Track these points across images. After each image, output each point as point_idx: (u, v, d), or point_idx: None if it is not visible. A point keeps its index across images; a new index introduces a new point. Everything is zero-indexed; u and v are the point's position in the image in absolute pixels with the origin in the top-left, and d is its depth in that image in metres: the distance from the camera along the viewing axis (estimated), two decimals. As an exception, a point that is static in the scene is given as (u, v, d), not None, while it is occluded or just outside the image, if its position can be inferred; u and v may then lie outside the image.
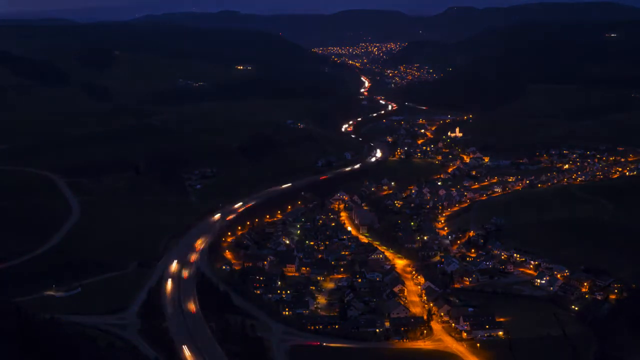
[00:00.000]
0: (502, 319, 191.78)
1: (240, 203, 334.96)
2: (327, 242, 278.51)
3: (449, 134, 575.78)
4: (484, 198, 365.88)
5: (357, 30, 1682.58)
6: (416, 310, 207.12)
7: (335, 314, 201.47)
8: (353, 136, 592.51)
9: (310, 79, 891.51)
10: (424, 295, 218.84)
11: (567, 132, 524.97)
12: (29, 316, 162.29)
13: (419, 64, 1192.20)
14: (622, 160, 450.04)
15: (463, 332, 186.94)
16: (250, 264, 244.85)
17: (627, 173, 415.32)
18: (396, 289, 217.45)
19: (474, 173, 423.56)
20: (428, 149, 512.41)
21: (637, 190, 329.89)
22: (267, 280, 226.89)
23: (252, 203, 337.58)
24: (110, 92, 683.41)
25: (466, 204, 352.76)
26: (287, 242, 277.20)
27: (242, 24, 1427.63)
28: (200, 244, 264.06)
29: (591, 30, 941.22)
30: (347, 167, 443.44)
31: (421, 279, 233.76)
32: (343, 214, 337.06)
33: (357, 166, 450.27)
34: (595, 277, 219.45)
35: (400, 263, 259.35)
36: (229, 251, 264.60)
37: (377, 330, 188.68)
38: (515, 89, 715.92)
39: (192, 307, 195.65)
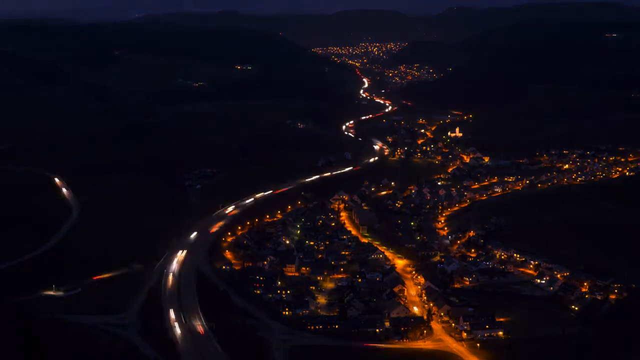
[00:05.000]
0: (502, 319, 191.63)
1: (240, 203, 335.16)
2: (327, 242, 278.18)
3: (449, 134, 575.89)
4: (484, 198, 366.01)
5: (357, 30, 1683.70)
6: (416, 310, 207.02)
7: (335, 314, 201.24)
8: (353, 136, 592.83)
9: (310, 79, 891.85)
10: (424, 295, 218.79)
11: (567, 132, 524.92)
12: (29, 316, 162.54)
13: (419, 64, 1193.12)
14: (622, 160, 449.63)
15: (463, 332, 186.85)
16: (250, 264, 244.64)
17: (627, 173, 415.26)
18: (396, 289, 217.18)
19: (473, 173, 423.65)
20: (428, 149, 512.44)
21: (637, 190, 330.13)
22: (267, 280, 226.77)
23: (252, 203, 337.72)
24: (110, 92, 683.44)
25: (466, 204, 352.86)
26: (287, 242, 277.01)
27: (242, 24, 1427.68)
28: (200, 243, 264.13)
29: (591, 30, 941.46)
30: (347, 167, 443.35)
31: (421, 279, 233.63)
32: (343, 214, 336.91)
33: (357, 166, 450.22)
34: (595, 277, 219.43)
35: (400, 263, 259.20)
36: (229, 251, 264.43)
37: (377, 330, 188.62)
38: (515, 89, 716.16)
39: (192, 307, 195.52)
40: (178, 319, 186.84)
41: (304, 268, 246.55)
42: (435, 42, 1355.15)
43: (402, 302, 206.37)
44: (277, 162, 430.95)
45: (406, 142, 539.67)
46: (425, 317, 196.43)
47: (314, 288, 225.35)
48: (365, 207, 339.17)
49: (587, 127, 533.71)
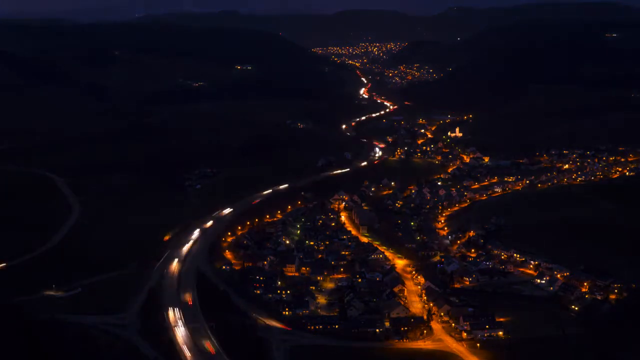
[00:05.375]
0: (502, 319, 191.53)
1: (240, 203, 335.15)
2: (327, 242, 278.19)
3: (449, 134, 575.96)
4: (484, 198, 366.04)
5: (357, 30, 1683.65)
6: (416, 310, 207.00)
7: (335, 314, 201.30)
8: (353, 136, 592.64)
9: (310, 79, 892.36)
10: (424, 295, 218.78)
11: (567, 132, 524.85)
12: (29, 316, 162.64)
13: (419, 64, 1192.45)
14: (622, 160, 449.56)
15: (463, 332, 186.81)
16: (250, 264, 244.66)
17: (627, 173, 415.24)
18: (396, 289, 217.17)
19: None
20: (428, 149, 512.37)
21: (637, 190, 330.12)
22: (267, 280, 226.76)
23: (252, 203, 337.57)
24: (110, 92, 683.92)
25: (466, 204, 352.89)
26: (287, 242, 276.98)
27: (242, 24, 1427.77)
28: (200, 243, 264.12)
29: (591, 30, 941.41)
30: (347, 167, 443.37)
31: (421, 279, 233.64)
32: (343, 214, 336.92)
33: (357, 166, 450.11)
34: (595, 277, 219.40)
35: (400, 263, 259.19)
36: (229, 251, 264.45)
37: (377, 330, 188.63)
38: (515, 89, 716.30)
39: (192, 307, 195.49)
40: (178, 319, 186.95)
41: (304, 268, 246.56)
42: (435, 42, 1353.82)
43: (402, 302, 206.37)
44: (277, 163, 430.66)
45: (406, 142, 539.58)
46: (425, 317, 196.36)
47: (314, 288, 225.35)
48: (365, 207, 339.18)
49: (587, 127, 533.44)
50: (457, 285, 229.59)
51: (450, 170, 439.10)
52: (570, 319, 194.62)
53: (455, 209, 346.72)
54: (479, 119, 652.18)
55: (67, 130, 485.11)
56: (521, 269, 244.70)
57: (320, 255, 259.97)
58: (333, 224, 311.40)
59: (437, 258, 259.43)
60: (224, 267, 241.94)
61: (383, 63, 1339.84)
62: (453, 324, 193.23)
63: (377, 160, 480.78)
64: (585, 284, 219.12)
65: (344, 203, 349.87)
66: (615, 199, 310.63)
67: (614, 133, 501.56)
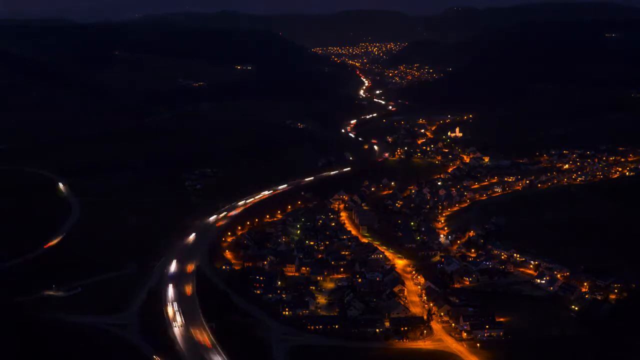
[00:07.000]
0: (502, 319, 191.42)
1: (240, 203, 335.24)
2: (327, 242, 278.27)
3: (449, 134, 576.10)
4: (484, 198, 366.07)
5: (357, 30, 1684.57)
6: (416, 310, 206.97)
7: (335, 314, 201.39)
8: (353, 136, 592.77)
9: (310, 79, 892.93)
10: (424, 295, 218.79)
11: (567, 132, 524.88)
12: (29, 316, 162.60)
13: (419, 64, 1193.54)
14: (622, 160, 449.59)
15: (463, 332, 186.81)
16: (250, 264, 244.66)
17: (627, 173, 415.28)
18: (396, 289, 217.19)
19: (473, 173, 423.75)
20: (428, 149, 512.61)
21: (637, 190, 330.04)
22: (267, 280, 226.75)
23: (252, 203, 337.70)
24: (110, 92, 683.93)
25: (466, 204, 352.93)
26: (287, 242, 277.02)
27: (242, 24, 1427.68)
28: (200, 244, 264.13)
29: (591, 30, 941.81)
30: (347, 167, 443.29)
31: (421, 279, 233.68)
32: (343, 214, 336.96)
33: (356, 166, 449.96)
34: (595, 277, 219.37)
35: (400, 263, 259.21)
36: (229, 251, 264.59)
37: (377, 330, 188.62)
38: (515, 89, 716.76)
39: (192, 307, 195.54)
40: (178, 319, 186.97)
41: (304, 268, 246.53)
42: (435, 42, 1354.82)
43: (402, 302, 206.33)
44: (277, 162, 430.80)
45: (406, 142, 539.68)
46: (425, 317, 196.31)
47: (314, 288, 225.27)
48: (365, 207, 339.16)
49: (587, 127, 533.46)
50: (457, 285, 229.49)
51: (450, 170, 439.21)
52: (570, 319, 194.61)
53: (455, 209, 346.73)
54: (479, 119, 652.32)
55: (67, 130, 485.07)
56: (521, 269, 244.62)
57: (320, 255, 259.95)
58: (333, 224, 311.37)
59: (437, 258, 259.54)
60: (224, 267, 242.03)
61: (383, 63, 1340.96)
62: (453, 324, 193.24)
63: (377, 160, 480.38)
64: (585, 284, 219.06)
65: (344, 203, 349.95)
66: (615, 199, 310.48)
67: (614, 133, 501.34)
